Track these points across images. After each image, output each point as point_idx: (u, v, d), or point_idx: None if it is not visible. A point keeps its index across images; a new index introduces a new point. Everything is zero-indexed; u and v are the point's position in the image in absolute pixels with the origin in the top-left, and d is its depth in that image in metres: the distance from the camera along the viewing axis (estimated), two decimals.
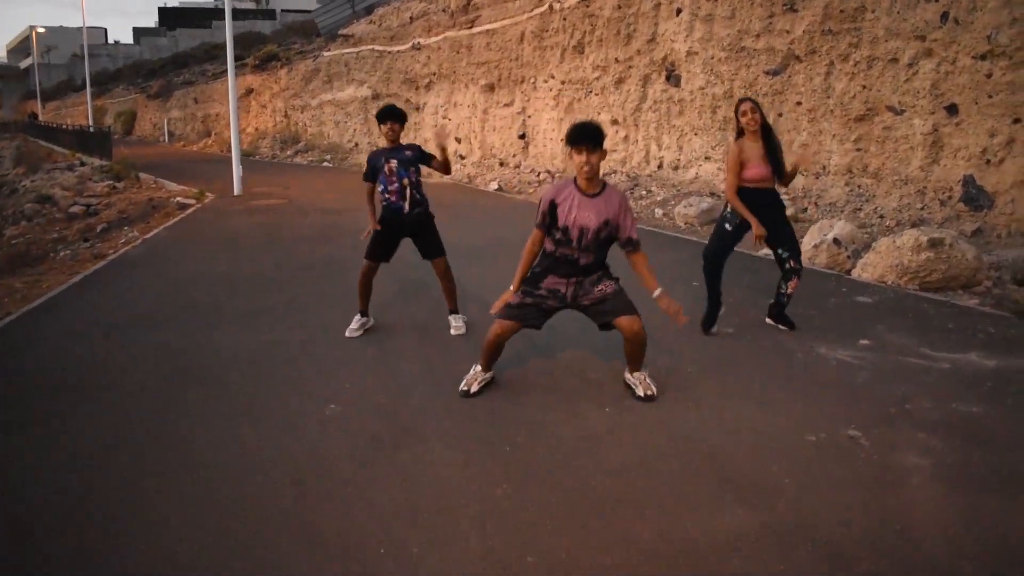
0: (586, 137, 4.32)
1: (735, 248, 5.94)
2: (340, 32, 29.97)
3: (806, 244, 8.44)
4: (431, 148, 6.03)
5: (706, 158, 13.69)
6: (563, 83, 17.31)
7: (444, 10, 22.68)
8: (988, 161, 9.19)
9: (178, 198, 16.00)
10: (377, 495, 3.57)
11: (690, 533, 3.15)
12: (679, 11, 13.93)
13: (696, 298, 6.23)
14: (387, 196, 5.92)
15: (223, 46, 37.58)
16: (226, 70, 22.56)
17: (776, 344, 5.58)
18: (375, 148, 6.13)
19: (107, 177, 20.65)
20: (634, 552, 3.03)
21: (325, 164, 25.39)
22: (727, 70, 13.00)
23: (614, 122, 15.82)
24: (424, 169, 6.02)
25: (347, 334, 6.05)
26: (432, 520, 3.33)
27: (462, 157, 21.23)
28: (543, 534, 3.18)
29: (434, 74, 22.65)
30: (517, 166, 18.92)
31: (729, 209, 5.77)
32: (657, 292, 4.52)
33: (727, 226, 5.77)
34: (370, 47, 26.29)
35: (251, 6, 73.96)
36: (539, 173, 17.46)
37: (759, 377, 4.93)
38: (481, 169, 19.73)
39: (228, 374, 5.32)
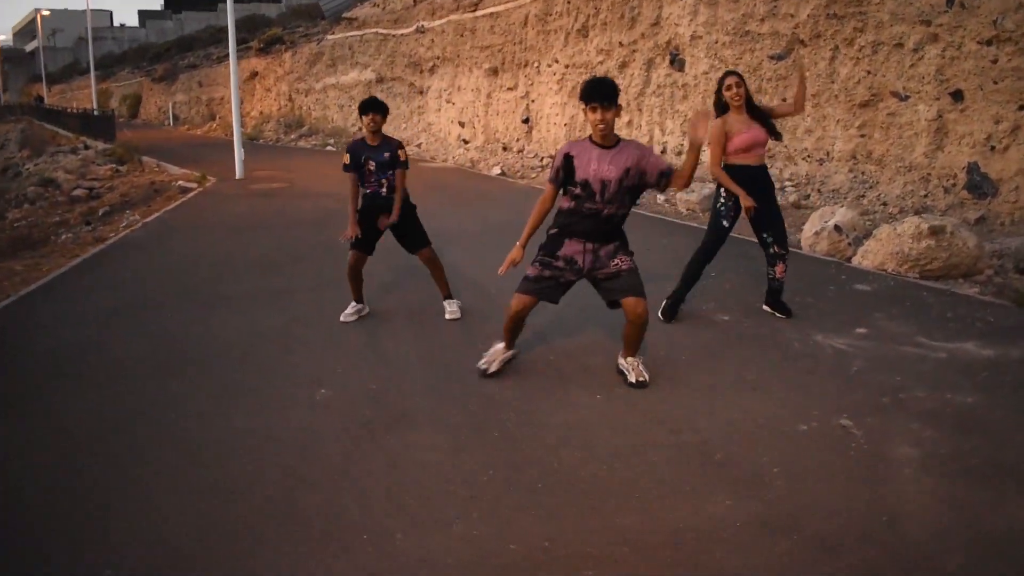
0: (600, 94, 4.23)
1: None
2: (344, 15, 29.84)
3: (807, 231, 8.38)
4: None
5: (710, 143, 13.58)
6: (567, 67, 17.19)
7: None
8: (993, 148, 9.09)
9: (180, 182, 15.98)
10: (363, 480, 3.55)
11: (675, 522, 3.12)
12: None
13: (702, 288, 6.18)
14: (365, 189, 5.97)
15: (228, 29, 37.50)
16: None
17: (772, 331, 5.53)
18: (357, 138, 6.10)
19: (110, 160, 20.63)
20: (617, 541, 3.00)
21: (328, 148, 25.31)
22: (731, 54, 12.88)
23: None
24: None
25: (341, 319, 6.03)
26: (416, 506, 3.31)
27: (465, 142, 21.15)
28: (527, 522, 3.16)
29: (438, 57, 22.54)
30: (520, 151, 18.84)
31: (722, 202, 5.67)
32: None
33: (724, 222, 5.67)
34: (374, 30, 26.17)
35: None
36: (542, 158, 17.37)
37: (753, 365, 4.88)
38: (484, 154, 19.65)
39: (221, 358, 5.30)
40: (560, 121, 17.36)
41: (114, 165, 19.94)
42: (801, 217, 9.66)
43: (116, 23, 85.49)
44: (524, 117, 18.85)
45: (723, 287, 6.54)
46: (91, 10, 49.67)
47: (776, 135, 5.75)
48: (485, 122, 20.62)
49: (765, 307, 5.97)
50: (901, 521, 3.11)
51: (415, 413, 4.29)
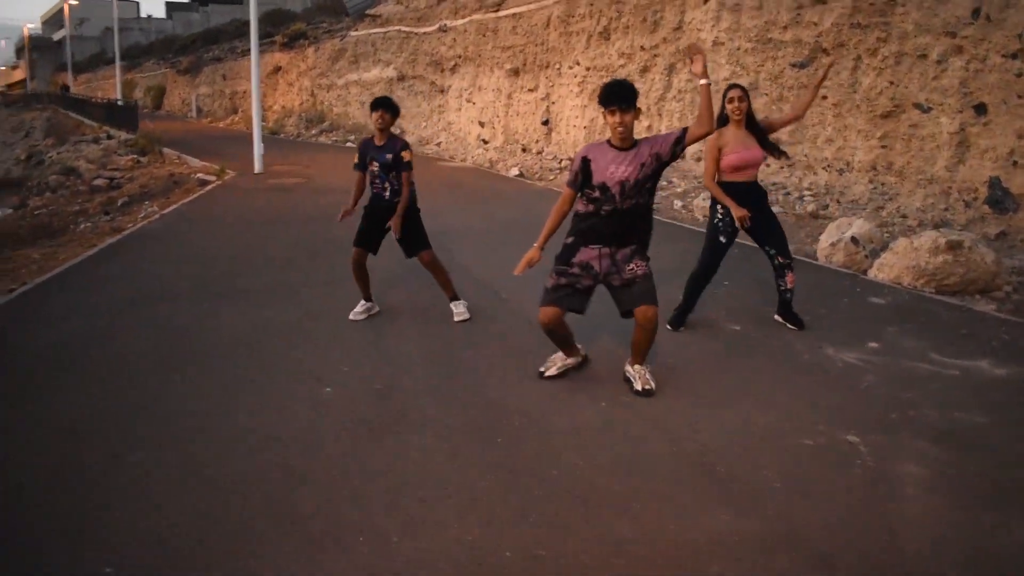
0: (619, 97, 4.21)
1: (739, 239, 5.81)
2: (368, 12, 29.89)
3: (823, 242, 8.30)
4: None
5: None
6: (588, 69, 17.14)
7: None
8: (1015, 163, 8.98)
9: (199, 174, 16.06)
10: (362, 480, 3.54)
11: (672, 534, 3.09)
12: (706, 0, 13.73)
13: (714, 296, 6.14)
14: (372, 189, 6.00)
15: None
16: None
17: (783, 343, 5.48)
18: (367, 137, 6.10)
19: (132, 151, 20.78)
20: (612, 552, 2.97)
21: (348, 144, 25.36)
22: (753, 61, 12.80)
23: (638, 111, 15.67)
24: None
25: (351, 317, 6.02)
26: (413, 509, 3.29)
27: (485, 142, 21.14)
28: (523, 528, 3.13)
29: (460, 57, 22.54)
30: (539, 152, 18.81)
31: (719, 218, 5.60)
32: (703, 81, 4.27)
33: (722, 238, 5.61)
34: (397, 28, 26.21)
35: None
36: (561, 160, 17.33)
37: (761, 376, 4.84)
38: (503, 154, 19.62)
39: (228, 353, 5.31)
40: (580, 124, 17.31)
41: (135, 156, 20.09)
42: (819, 227, 9.58)
43: (143, 14, 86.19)
44: (544, 119, 18.82)
45: (735, 296, 6.49)
46: (118, 1, 50.05)
47: (777, 152, 5.66)
48: (505, 123, 20.60)
49: (777, 317, 5.92)
50: (903, 541, 3.06)
51: (417, 414, 4.27)
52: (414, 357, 5.20)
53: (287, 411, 4.32)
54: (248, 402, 4.45)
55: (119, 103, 34.23)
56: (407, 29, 25.52)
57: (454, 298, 6.10)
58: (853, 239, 7.91)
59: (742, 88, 5.56)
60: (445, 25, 23.04)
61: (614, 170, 4.32)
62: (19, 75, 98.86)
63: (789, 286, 5.72)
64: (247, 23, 17.23)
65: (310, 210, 11.81)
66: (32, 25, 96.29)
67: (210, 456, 3.80)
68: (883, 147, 10.84)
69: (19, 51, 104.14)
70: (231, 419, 4.23)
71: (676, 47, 14.59)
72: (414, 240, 5.97)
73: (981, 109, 9.48)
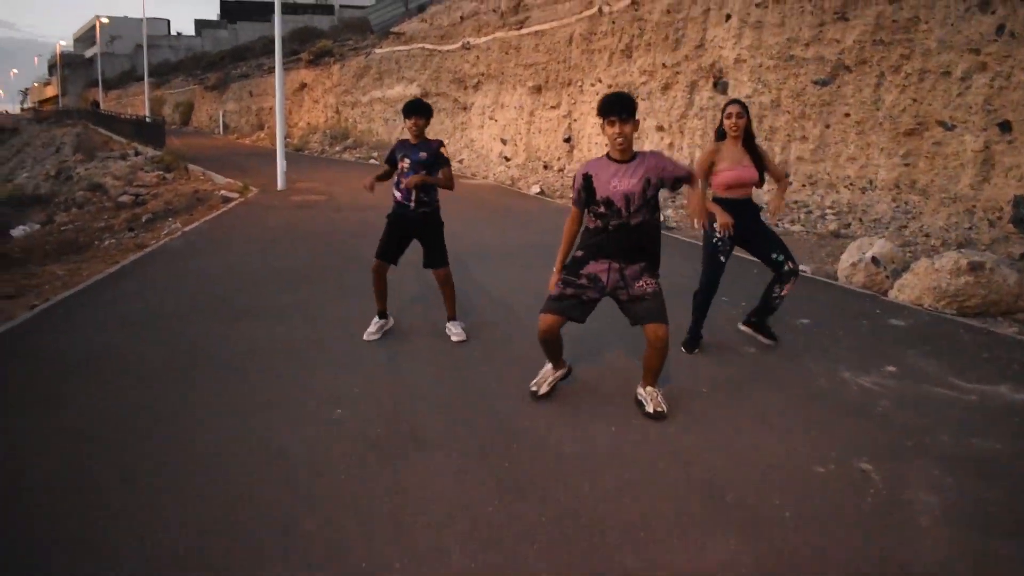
0: (618, 107, 4.23)
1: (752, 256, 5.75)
2: (392, 30, 30.14)
3: (843, 262, 8.22)
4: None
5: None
6: (610, 87, 17.16)
7: (494, 10, 22.66)
8: None
9: (223, 191, 16.22)
10: (367, 502, 3.53)
11: (678, 564, 3.04)
12: (728, 17, 13.71)
13: (729, 319, 6.09)
14: (395, 194, 5.90)
15: (282, 40, 38.12)
16: (283, 64, 22.65)
17: (798, 367, 5.41)
18: (403, 138, 6.07)
19: (158, 167, 21.03)
20: None
21: (372, 161, 25.54)
22: (775, 78, 12.75)
23: (659, 128, 15.65)
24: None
25: (365, 337, 6.00)
26: (417, 533, 3.27)
27: (507, 159, 21.19)
28: (527, 555, 3.10)
29: (482, 74, 22.64)
30: (561, 169, 18.83)
31: (717, 236, 5.52)
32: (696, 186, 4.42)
33: (721, 257, 5.56)
34: (420, 45, 26.40)
35: (310, 1, 74.95)
36: None
37: (775, 400, 4.77)
38: (525, 172, 19.66)
39: (241, 370, 5.33)
40: (602, 141, 17.29)
41: (161, 172, 20.33)
42: (840, 246, 9.49)
43: (173, 32, 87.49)
44: (566, 136, 18.84)
45: (746, 311, 6.40)
46: (149, 18, 50.92)
47: (762, 178, 5.57)
48: (527, 140, 20.65)
49: (745, 328, 5.85)
50: (914, 572, 3.00)
51: (425, 436, 4.25)
52: (426, 377, 5.19)
53: (296, 430, 4.31)
54: (259, 420, 4.45)
55: (147, 120, 34.69)
56: (430, 47, 25.70)
57: (452, 318, 6.09)
58: (874, 259, 7.82)
59: (741, 104, 5.49)
60: (468, 43, 23.17)
61: (616, 183, 4.31)
62: (51, 91, 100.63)
63: (784, 293, 5.58)
64: (274, 40, 17.41)
65: (329, 227, 11.88)
66: (64, 42, 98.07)
67: (218, 471, 3.81)
68: (906, 165, 10.73)
69: (51, 68, 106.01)
70: (240, 436, 4.23)
71: (698, 64, 14.56)
72: (435, 254, 5.95)
73: (1006, 127, 9.36)
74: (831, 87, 11.84)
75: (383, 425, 4.40)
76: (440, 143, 5.93)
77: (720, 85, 14.09)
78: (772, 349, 5.77)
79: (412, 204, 5.84)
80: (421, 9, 29.74)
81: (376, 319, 6.11)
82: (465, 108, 23.71)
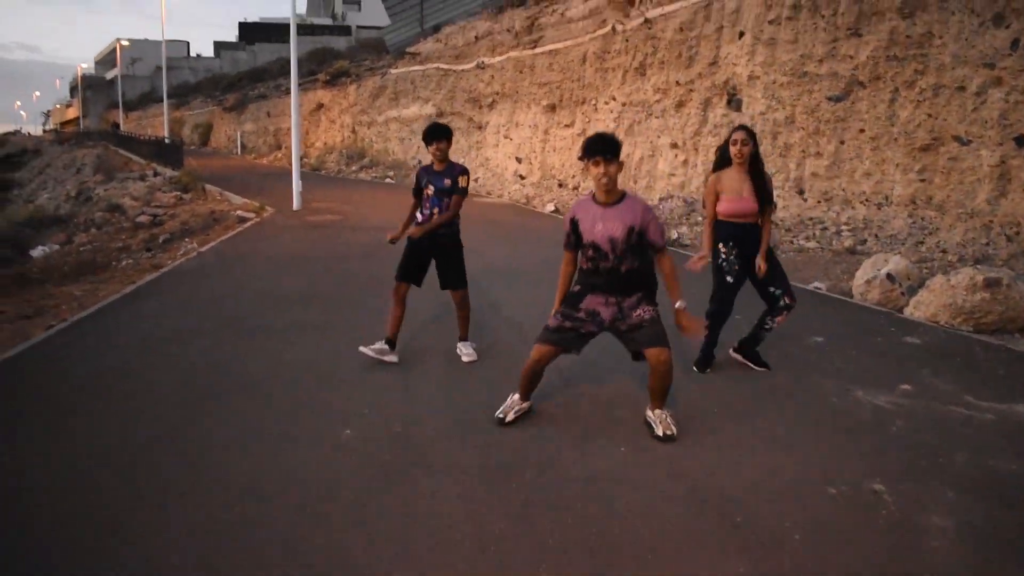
0: (602, 148, 4.27)
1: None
2: (407, 50, 30.37)
3: (858, 279, 8.15)
4: None
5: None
6: (624, 105, 17.19)
7: (508, 30, 22.78)
8: None
9: (239, 211, 16.32)
10: (374, 525, 3.51)
11: None
12: (741, 34, 13.72)
13: (741, 335, 6.03)
14: (418, 218, 5.92)
15: (299, 61, 38.47)
16: (300, 85, 22.91)
17: (810, 386, 5.35)
18: (426, 164, 6.05)
19: (175, 188, 21.21)
20: None
21: (388, 180, 25.68)
22: (789, 95, 12.72)
23: (674, 146, 15.64)
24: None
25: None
26: (425, 554, 3.25)
27: (522, 177, 21.24)
28: None
29: (497, 93, 22.75)
30: (575, 188, 18.84)
31: (723, 258, 5.52)
32: (678, 304, 4.43)
33: (728, 278, 5.53)
34: (435, 65, 26.58)
35: (328, 22, 75.69)
36: None
37: (788, 420, 4.72)
38: (540, 190, 19.69)
39: (252, 390, 5.33)
40: None
41: (179, 193, 20.51)
42: (855, 263, 9.42)
43: (193, 53, 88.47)
44: (580, 154, 18.85)
45: (766, 338, 6.35)
46: (169, 40, 51.54)
47: (768, 204, 5.47)
48: (542, 158, 20.69)
49: (736, 355, 5.80)
50: None
51: (435, 458, 4.23)
52: (436, 399, 5.18)
53: (306, 451, 4.31)
54: (268, 440, 4.45)
55: (165, 140, 35.05)
56: (445, 66, 25.86)
57: (464, 338, 6.08)
58: (888, 276, 7.75)
59: (747, 130, 5.44)
60: (483, 62, 23.30)
61: (601, 227, 4.36)
62: (72, 113, 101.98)
63: (775, 326, 5.58)
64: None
65: (343, 247, 11.93)
66: (86, 65, 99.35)
67: (225, 491, 3.81)
68: (922, 180, 10.67)
69: (73, 90, 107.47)
70: (250, 457, 4.23)
71: (712, 81, 14.56)
72: (454, 275, 5.94)
73: (1022, 141, 9.30)
74: (845, 103, 11.80)
75: (391, 446, 4.39)
76: (464, 170, 5.91)
77: (734, 102, 14.08)
78: (784, 368, 5.71)
79: None
80: (436, 29, 29.96)
81: (382, 343, 5.89)
82: (480, 127, 23.81)
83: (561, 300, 4.59)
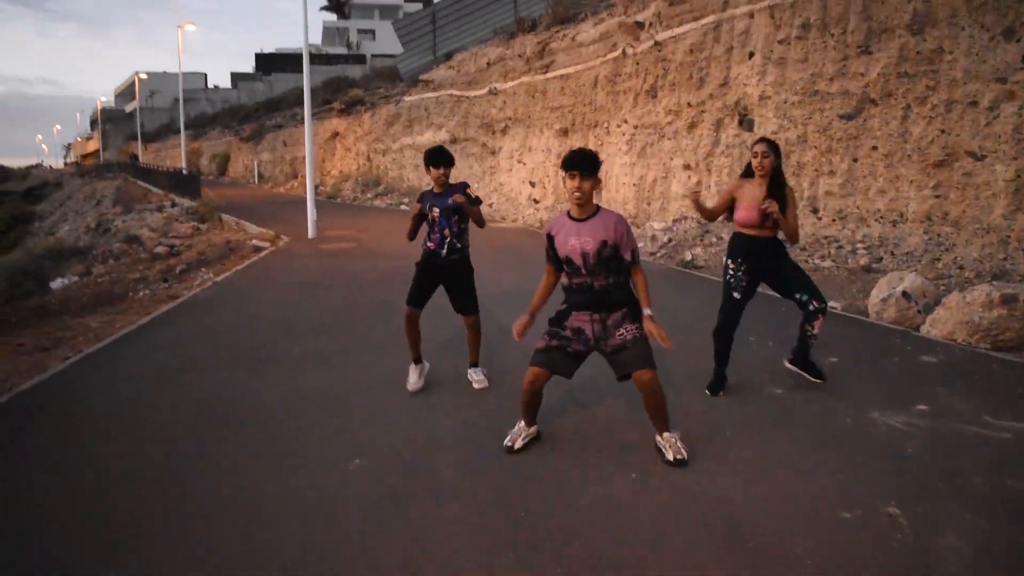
0: (578, 163, 4.30)
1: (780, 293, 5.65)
2: (421, 77, 30.59)
3: (873, 297, 8.07)
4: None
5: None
6: (636, 128, 17.19)
7: (520, 55, 22.91)
8: None
9: (254, 240, 16.42)
10: (381, 554, 3.49)
11: None
12: (751, 55, 13.72)
13: (756, 358, 6.00)
14: (428, 244, 5.89)
15: (315, 90, 38.85)
16: (315, 113, 23.05)
17: (824, 407, 5.28)
18: (425, 190, 6.06)
19: (192, 218, 21.39)
20: None
21: (403, 207, 25.78)
22: (800, 114, 12.69)
23: (687, 167, 15.62)
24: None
25: (409, 388, 5.91)
26: None
27: (536, 201, 21.27)
28: None
29: (510, 118, 22.84)
30: None
31: (731, 273, 5.50)
32: (646, 312, 4.41)
33: (735, 294, 5.50)
34: (448, 92, 26.74)
35: (343, 51, 76.44)
36: None
37: (801, 443, 4.66)
38: (554, 214, 19.69)
39: (264, 420, 5.33)
40: (629, 181, 17.31)
41: (195, 223, 20.67)
42: (871, 281, 9.33)
43: (211, 84, 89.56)
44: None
45: (778, 358, 6.29)
46: (187, 72, 52.25)
47: (776, 218, 5.35)
48: (555, 182, 20.71)
49: (789, 365, 5.74)
50: None
51: (444, 487, 4.21)
52: (449, 429, 5.14)
53: (315, 481, 4.30)
54: (277, 470, 4.44)
55: (183, 171, 35.43)
56: (458, 93, 26.01)
57: (475, 364, 6.06)
58: (904, 294, 7.67)
59: (768, 143, 5.41)
60: (495, 88, 23.42)
61: (574, 242, 4.38)
62: (93, 146, 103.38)
63: (815, 331, 5.51)
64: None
65: (357, 276, 11.95)
66: (105, 98, 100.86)
67: (233, 521, 3.81)
68: (937, 197, 10.58)
69: (93, 123, 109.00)
70: (259, 486, 4.22)
71: (723, 102, 14.56)
72: (465, 300, 5.92)
73: None
74: (857, 121, 11.75)
75: (400, 475, 4.37)
76: (465, 184, 5.94)
77: (746, 122, 14.06)
78: (798, 389, 5.65)
79: (444, 251, 5.82)
80: (448, 56, 30.18)
81: (412, 366, 6.01)
82: (493, 152, 23.89)
83: (536, 305, 4.61)
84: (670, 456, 4.38)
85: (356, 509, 3.94)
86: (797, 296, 5.47)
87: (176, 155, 55.69)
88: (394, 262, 13.11)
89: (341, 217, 21.97)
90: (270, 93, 66.94)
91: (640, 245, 14.75)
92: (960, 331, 6.79)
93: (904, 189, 11.07)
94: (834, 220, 12.10)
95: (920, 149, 10.76)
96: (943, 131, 10.47)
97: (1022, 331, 6.55)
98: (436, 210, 5.79)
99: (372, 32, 79.69)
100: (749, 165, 5.46)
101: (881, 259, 10.80)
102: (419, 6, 56.84)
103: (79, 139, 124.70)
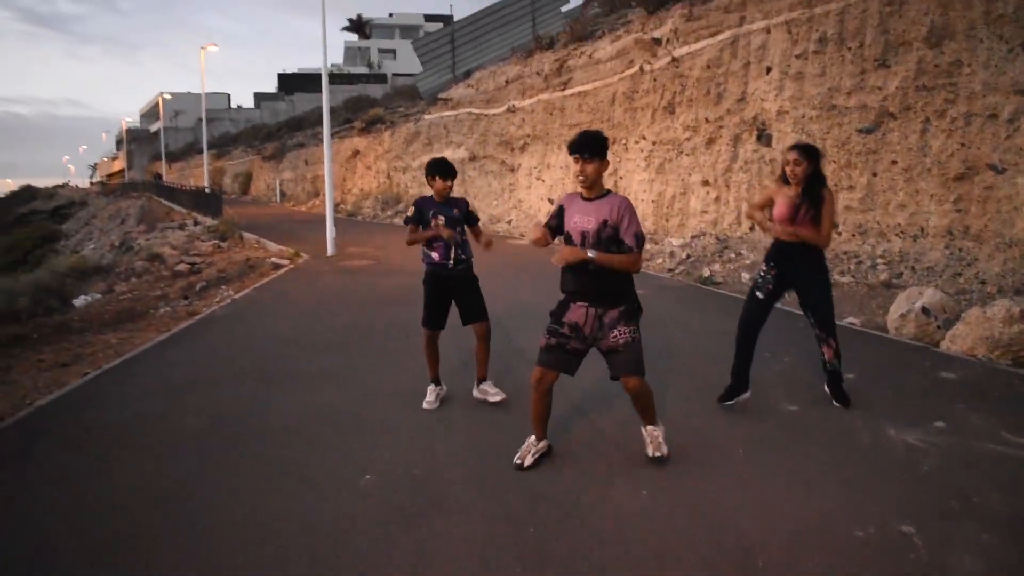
0: (579, 146, 4.31)
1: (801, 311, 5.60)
2: (440, 96, 30.77)
3: (892, 313, 7.99)
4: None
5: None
6: (654, 144, 17.18)
7: (538, 73, 23.00)
8: None
9: (274, 258, 16.52)
10: (388, 571, 3.47)
11: None
12: (769, 69, 13.68)
13: (772, 373, 5.95)
14: (431, 255, 5.81)
15: (336, 109, 39.18)
16: (336, 132, 23.14)
17: (840, 424, 5.21)
18: (422, 197, 6.01)
19: (213, 236, 21.57)
20: None
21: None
22: (818, 128, 12.62)
23: (705, 183, 15.57)
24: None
25: (424, 406, 5.89)
26: None
27: None
28: None
29: (528, 135, 22.90)
30: None
31: (761, 274, 5.49)
32: (590, 254, 4.33)
33: (758, 294, 5.48)
34: (467, 110, 26.86)
35: (364, 71, 77.14)
36: None
37: (815, 460, 4.60)
38: None
39: (277, 436, 5.34)
40: (648, 197, 17.28)
41: (216, 241, 20.84)
42: (891, 297, 9.24)
43: (234, 105, 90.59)
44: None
45: (794, 373, 6.23)
46: (210, 93, 52.88)
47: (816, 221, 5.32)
48: None
49: (827, 389, 5.68)
50: None
51: (453, 503, 4.19)
52: (458, 445, 5.13)
53: (325, 497, 4.29)
54: (287, 487, 4.45)
55: (206, 190, 35.79)
56: (477, 111, 26.13)
57: (483, 379, 6.02)
58: (924, 309, 7.58)
59: (800, 149, 5.33)
60: (513, 106, 23.51)
61: (577, 220, 4.41)
62: (118, 166, 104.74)
63: (827, 359, 5.49)
64: (331, 110, 17.89)
65: (374, 293, 11.99)
66: (130, 119, 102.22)
67: (242, 537, 3.81)
68: (958, 211, 10.47)
69: (118, 143, 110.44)
70: (268, 503, 4.22)
71: (741, 118, 14.52)
72: (473, 308, 5.88)
73: None
74: (876, 135, 11.67)
75: (410, 491, 4.35)
76: (467, 202, 5.96)
77: (764, 137, 14.01)
78: (815, 405, 5.59)
79: (451, 262, 5.78)
80: (467, 75, 30.37)
81: (431, 386, 6.01)
82: (512, 169, 23.95)
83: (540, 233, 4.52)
84: (650, 452, 4.53)
85: (366, 525, 3.93)
86: (808, 316, 5.48)
87: (199, 174, 56.31)
88: (411, 279, 13.09)
89: (360, 235, 22.08)
90: (292, 112, 67.63)
91: (658, 261, 14.70)
92: (980, 347, 6.70)
93: (924, 203, 10.97)
94: (854, 235, 12.00)
95: (940, 163, 10.66)
96: (963, 144, 10.37)
97: None
98: (441, 219, 5.74)
99: (393, 52, 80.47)
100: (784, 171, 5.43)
101: (901, 274, 10.70)
102: (439, 25, 57.26)
103: (105, 159, 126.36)
